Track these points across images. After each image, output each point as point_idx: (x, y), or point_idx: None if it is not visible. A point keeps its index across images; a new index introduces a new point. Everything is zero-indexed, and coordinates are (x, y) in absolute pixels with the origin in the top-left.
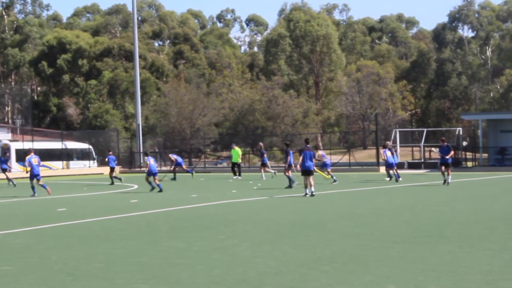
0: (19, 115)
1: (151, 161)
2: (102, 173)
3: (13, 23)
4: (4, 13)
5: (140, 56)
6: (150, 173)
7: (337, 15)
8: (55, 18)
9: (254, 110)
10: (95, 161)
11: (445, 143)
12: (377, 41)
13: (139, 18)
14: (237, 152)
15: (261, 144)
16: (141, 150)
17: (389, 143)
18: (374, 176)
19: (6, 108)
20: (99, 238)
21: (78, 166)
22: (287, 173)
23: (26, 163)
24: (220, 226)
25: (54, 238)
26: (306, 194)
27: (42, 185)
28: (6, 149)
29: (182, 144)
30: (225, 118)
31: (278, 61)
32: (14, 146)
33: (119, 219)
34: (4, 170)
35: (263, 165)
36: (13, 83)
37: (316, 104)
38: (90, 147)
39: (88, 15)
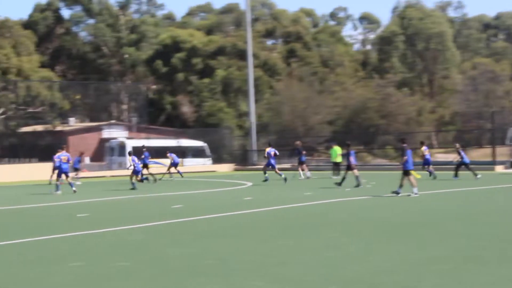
0: (135, 113)
1: (136, 160)
2: (215, 171)
3: (129, 23)
4: (120, 13)
5: (253, 55)
6: (135, 172)
7: (451, 12)
8: (170, 17)
9: (367, 108)
10: (210, 158)
11: None
12: (492, 38)
13: (252, 17)
14: (335, 151)
15: (298, 142)
16: (255, 148)
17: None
18: (489, 175)
19: (123, 106)
20: (213, 235)
21: (192, 164)
22: (354, 172)
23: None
24: (332, 224)
25: (169, 234)
26: (414, 193)
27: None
28: (120, 146)
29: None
30: (338, 116)
31: (391, 59)
32: (130, 143)
33: (233, 216)
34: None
35: (302, 163)
36: (129, 82)
37: (430, 102)
38: (205, 144)
39: (201, 14)
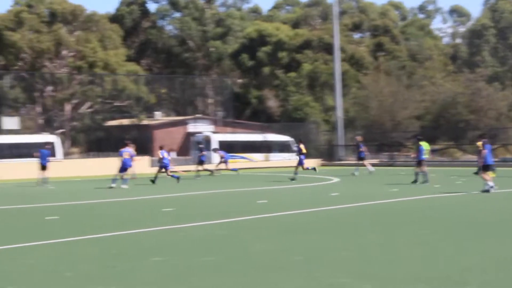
0: (220, 107)
1: (164, 155)
2: None
3: (215, 16)
4: (206, 6)
5: (340, 48)
6: (164, 166)
7: None
8: (255, 10)
9: (456, 103)
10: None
11: None
12: None
13: (339, 10)
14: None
15: (359, 137)
16: (342, 143)
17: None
18: None
19: (209, 100)
20: (299, 230)
21: (278, 159)
22: (419, 169)
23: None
24: (420, 221)
25: (254, 229)
26: (492, 188)
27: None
28: (206, 141)
29: (382, 138)
30: (427, 111)
31: (482, 52)
32: (216, 138)
33: (319, 212)
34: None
35: (361, 158)
36: (214, 76)
37: None
38: (291, 139)
39: (288, 7)
